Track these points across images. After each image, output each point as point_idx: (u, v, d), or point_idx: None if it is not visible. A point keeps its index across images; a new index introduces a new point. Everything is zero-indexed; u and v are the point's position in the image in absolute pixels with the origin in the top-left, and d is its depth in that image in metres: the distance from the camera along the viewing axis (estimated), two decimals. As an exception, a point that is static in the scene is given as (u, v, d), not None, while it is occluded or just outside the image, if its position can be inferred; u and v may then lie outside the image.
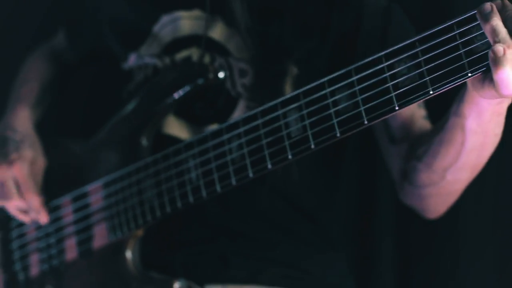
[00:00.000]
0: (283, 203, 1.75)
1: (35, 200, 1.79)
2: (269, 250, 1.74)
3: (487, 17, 1.19)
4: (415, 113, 1.70)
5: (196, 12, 1.76)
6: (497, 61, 1.15)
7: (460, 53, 1.25)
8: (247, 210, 1.73)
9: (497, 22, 1.18)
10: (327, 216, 1.85)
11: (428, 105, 1.71)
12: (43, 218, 1.81)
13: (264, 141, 1.47)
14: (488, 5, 1.20)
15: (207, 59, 1.72)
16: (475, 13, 1.23)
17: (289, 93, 1.46)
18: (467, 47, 1.24)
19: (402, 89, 1.31)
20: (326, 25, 1.69)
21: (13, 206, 1.82)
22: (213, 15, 1.73)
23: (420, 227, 2.16)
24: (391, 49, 1.33)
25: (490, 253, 2.16)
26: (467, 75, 1.24)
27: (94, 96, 2.36)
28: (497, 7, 1.20)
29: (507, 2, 1.22)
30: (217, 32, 1.73)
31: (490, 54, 1.16)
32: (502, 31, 1.17)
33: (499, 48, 1.15)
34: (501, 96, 1.22)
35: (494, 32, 1.18)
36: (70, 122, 2.37)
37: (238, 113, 1.70)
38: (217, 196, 1.58)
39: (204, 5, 1.73)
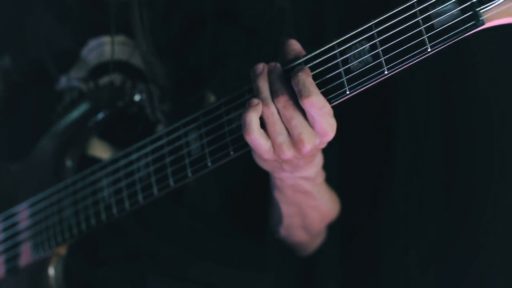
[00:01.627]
0: (202, 223, 1.79)
1: None
2: (187, 269, 1.78)
3: (254, 77, 1.32)
4: None
5: (121, 38, 1.82)
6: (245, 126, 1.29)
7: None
8: (166, 230, 1.78)
9: (261, 83, 1.30)
10: (251, 236, 1.88)
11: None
12: None
13: (167, 160, 1.52)
14: (260, 66, 1.33)
15: (128, 84, 1.79)
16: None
17: None
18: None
19: None
20: (244, 54, 1.75)
21: None
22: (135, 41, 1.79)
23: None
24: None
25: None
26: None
27: (32, 117, 2.41)
28: (269, 68, 1.32)
29: (278, 65, 1.33)
30: (138, 59, 1.79)
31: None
32: (264, 91, 1.29)
33: (253, 100, 1.29)
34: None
35: (257, 91, 1.30)
36: (8, 143, 2.43)
37: (157, 138, 1.75)
38: (136, 216, 1.63)
39: (130, 32, 1.79)
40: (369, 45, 1.28)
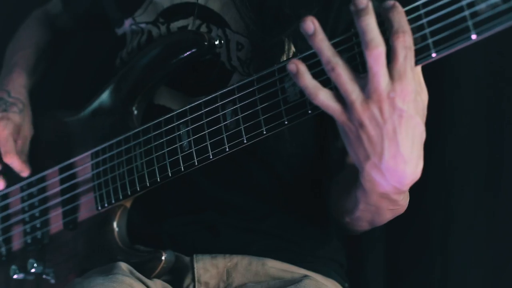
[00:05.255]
0: (274, 176, 1.70)
1: (15, 161, 1.78)
2: (259, 221, 1.69)
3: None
4: None
5: None
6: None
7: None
8: (237, 182, 1.69)
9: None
10: (324, 191, 1.79)
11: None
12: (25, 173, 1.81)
13: (259, 106, 1.43)
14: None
15: (203, 29, 1.69)
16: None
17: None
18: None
19: None
20: (323, 11, 1.65)
21: None
22: None
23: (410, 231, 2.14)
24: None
25: (483, 260, 2.11)
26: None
27: (88, 63, 2.31)
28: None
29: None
30: (216, 3, 1.69)
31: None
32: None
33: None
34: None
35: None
36: (64, 90, 2.33)
37: (232, 87, 1.66)
38: (206, 168, 1.53)
39: None
40: None
